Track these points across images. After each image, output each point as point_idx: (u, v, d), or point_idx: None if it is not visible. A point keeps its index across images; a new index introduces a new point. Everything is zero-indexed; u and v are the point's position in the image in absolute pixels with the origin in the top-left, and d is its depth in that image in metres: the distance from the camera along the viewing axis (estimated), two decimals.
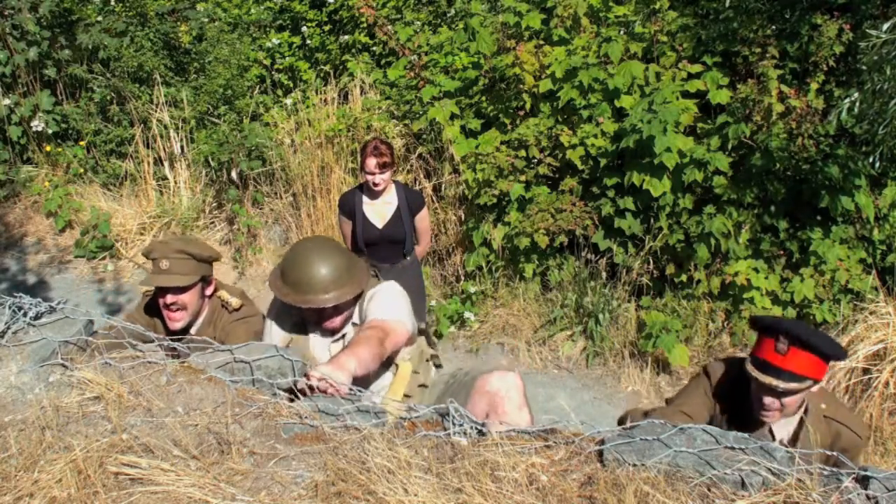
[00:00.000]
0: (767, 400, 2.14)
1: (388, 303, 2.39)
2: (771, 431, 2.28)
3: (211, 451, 1.55)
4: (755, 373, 2.12)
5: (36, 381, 1.77)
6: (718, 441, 1.48)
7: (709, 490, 1.41)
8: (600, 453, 1.51)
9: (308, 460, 1.54)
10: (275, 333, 2.46)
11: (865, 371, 4.13)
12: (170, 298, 2.59)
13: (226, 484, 1.45)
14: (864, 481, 1.42)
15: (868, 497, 1.38)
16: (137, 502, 1.41)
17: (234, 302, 2.76)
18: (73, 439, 1.56)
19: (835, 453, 1.58)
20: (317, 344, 2.45)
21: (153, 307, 2.73)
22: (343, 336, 2.45)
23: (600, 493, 1.40)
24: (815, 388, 2.17)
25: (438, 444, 1.57)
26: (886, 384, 4.03)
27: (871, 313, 4.24)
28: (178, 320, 2.62)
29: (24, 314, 1.94)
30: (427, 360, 2.57)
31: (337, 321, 2.38)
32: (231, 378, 1.78)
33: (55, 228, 6.33)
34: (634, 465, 1.45)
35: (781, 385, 2.08)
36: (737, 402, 2.31)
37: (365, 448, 1.52)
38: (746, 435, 1.52)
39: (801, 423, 2.26)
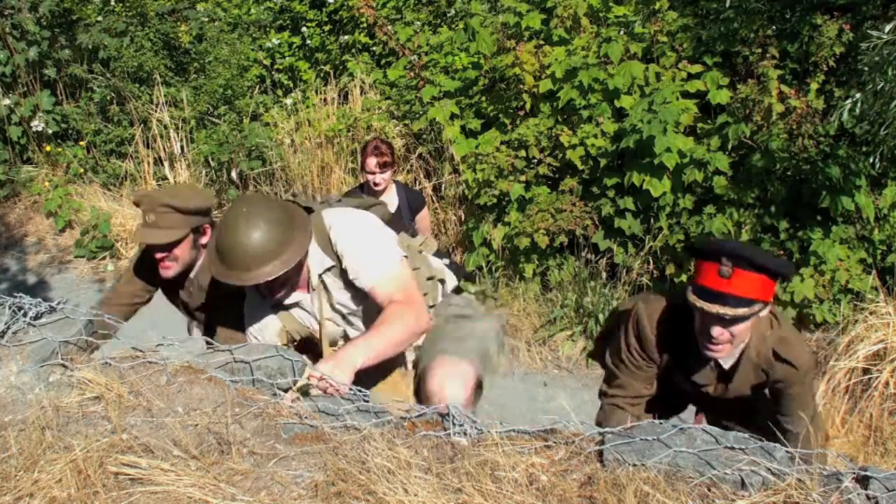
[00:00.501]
0: (716, 331, 1.95)
1: (371, 255, 2.10)
2: (717, 363, 2.14)
3: (211, 451, 1.55)
4: (699, 302, 1.93)
5: (36, 381, 1.77)
6: (718, 441, 1.48)
7: (709, 490, 1.41)
8: (600, 453, 1.51)
9: (308, 460, 1.54)
10: (268, 331, 2.25)
11: (865, 371, 4.13)
12: (158, 254, 2.46)
13: (226, 484, 1.45)
14: (864, 481, 1.42)
15: (868, 497, 1.38)
16: (137, 502, 1.41)
17: None
18: (73, 439, 1.56)
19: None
20: (300, 313, 2.24)
21: (150, 257, 2.59)
22: (320, 284, 2.19)
23: (600, 493, 1.40)
24: (763, 312, 2.01)
25: (438, 444, 1.57)
26: (886, 384, 4.03)
27: (871, 313, 4.23)
28: (168, 269, 2.49)
29: (24, 314, 1.94)
30: (429, 279, 2.32)
31: (281, 293, 2.12)
32: (231, 378, 1.78)
33: (55, 228, 6.33)
34: (634, 465, 1.45)
35: (729, 312, 1.89)
36: (681, 339, 2.11)
37: (365, 448, 1.52)
38: (746, 435, 1.52)
39: (743, 353, 2.10)
